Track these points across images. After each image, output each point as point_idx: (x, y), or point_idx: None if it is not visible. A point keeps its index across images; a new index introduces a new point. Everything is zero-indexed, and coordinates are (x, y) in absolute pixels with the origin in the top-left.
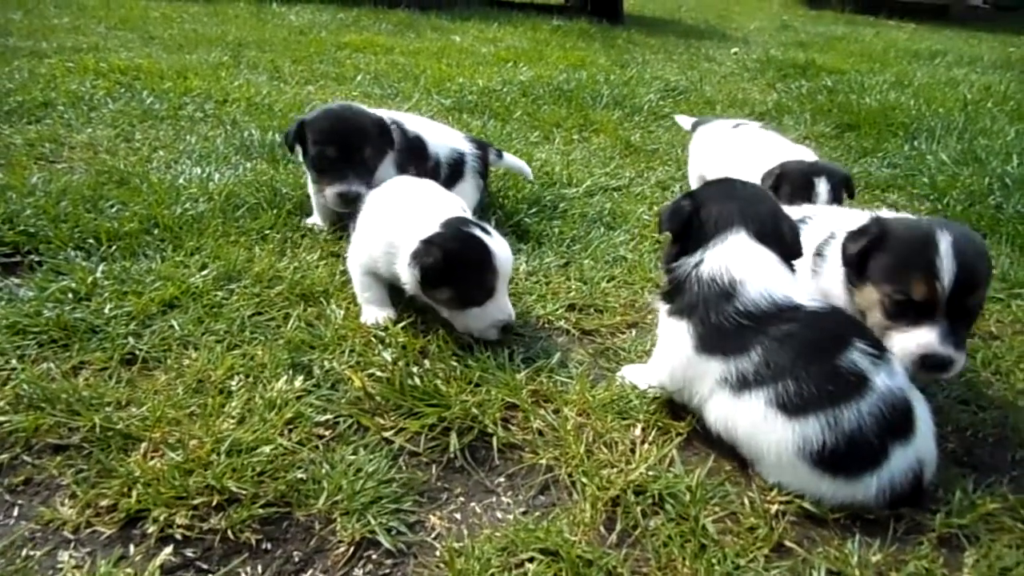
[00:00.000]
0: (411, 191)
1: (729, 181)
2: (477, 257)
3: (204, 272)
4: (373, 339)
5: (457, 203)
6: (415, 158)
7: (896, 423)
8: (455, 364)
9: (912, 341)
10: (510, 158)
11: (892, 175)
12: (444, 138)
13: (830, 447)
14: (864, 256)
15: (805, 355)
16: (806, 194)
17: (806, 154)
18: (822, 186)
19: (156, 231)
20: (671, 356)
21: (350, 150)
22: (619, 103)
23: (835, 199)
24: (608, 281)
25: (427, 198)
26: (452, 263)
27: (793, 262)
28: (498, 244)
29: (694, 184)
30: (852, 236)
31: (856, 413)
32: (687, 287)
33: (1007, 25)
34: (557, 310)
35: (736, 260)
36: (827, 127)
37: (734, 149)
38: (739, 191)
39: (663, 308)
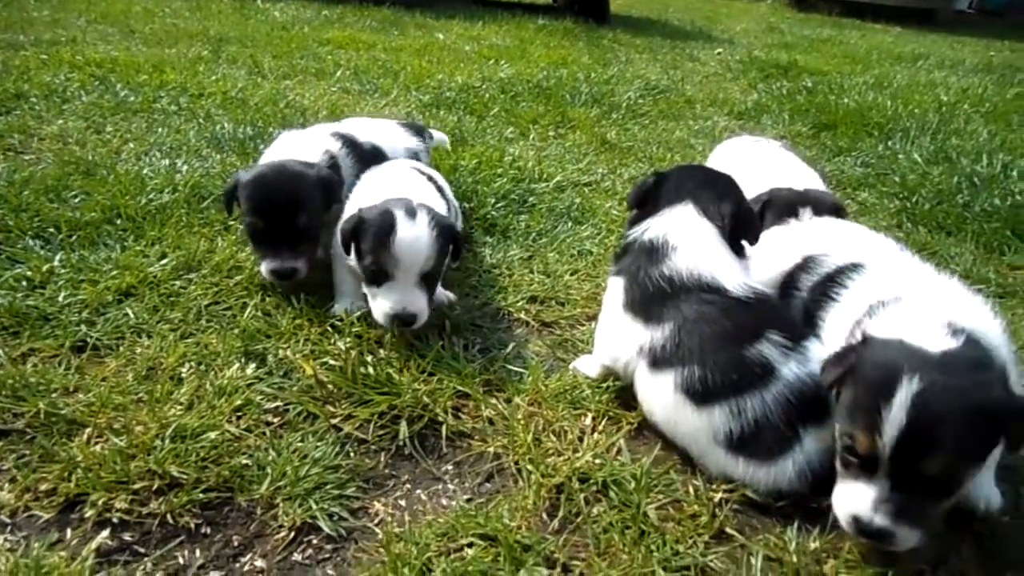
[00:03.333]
0: (390, 175)
1: (696, 166)
2: (380, 233)
3: (163, 261)
4: (329, 328)
5: (426, 188)
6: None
7: (807, 409)
8: (409, 354)
9: (845, 498)
10: (436, 134)
11: (864, 174)
12: (397, 140)
13: (738, 434)
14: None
15: (714, 342)
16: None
17: (812, 179)
18: (804, 216)
19: (119, 221)
20: (606, 316)
21: (283, 222)
22: (598, 101)
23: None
24: (572, 274)
25: (400, 181)
26: (358, 232)
27: (745, 246)
28: (411, 231)
29: None
30: (831, 361)
31: (760, 401)
32: (631, 250)
33: (992, 30)
34: (518, 302)
35: (675, 228)
36: (804, 126)
37: (744, 166)
38: (700, 173)
39: (611, 272)
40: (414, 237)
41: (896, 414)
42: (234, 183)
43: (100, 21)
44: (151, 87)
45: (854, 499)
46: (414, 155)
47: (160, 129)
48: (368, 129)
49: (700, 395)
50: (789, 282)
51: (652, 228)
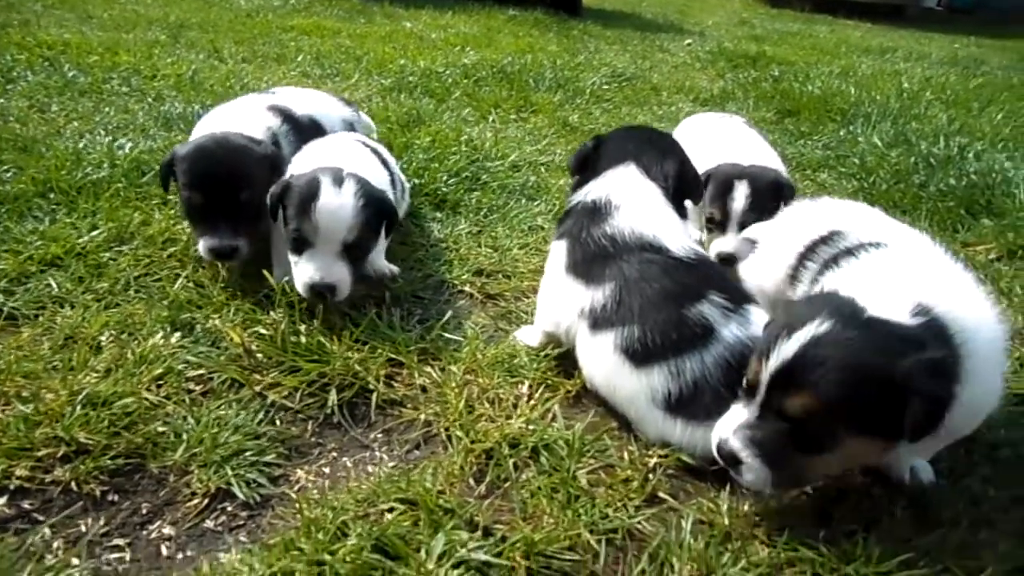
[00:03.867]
0: (332, 145)
1: (638, 127)
2: (303, 200)
3: (94, 233)
4: (264, 299)
5: (367, 160)
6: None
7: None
8: (343, 323)
9: (721, 420)
10: (364, 117)
11: (824, 156)
12: (333, 111)
13: (676, 395)
14: None
15: (654, 302)
16: (726, 195)
17: (768, 155)
18: (740, 190)
19: (52, 195)
20: (548, 281)
21: (223, 197)
22: (562, 86)
23: (757, 206)
24: (520, 248)
25: (341, 152)
26: (284, 198)
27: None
28: (335, 199)
29: None
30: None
31: (699, 362)
32: (574, 213)
33: (960, 27)
34: (463, 275)
35: (618, 188)
36: (769, 112)
37: (702, 142)
38: (642, 134)
39: (556, 230)
40: (337, 205)
41: (783, 349)
42: (171, 157)
43: (58, 7)
44: (102, 68)
45: (725, 420)
46: (349, 126)
47: (107, 109)
48: (303, 101)
49: (639, 356)
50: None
51: (595, 190)
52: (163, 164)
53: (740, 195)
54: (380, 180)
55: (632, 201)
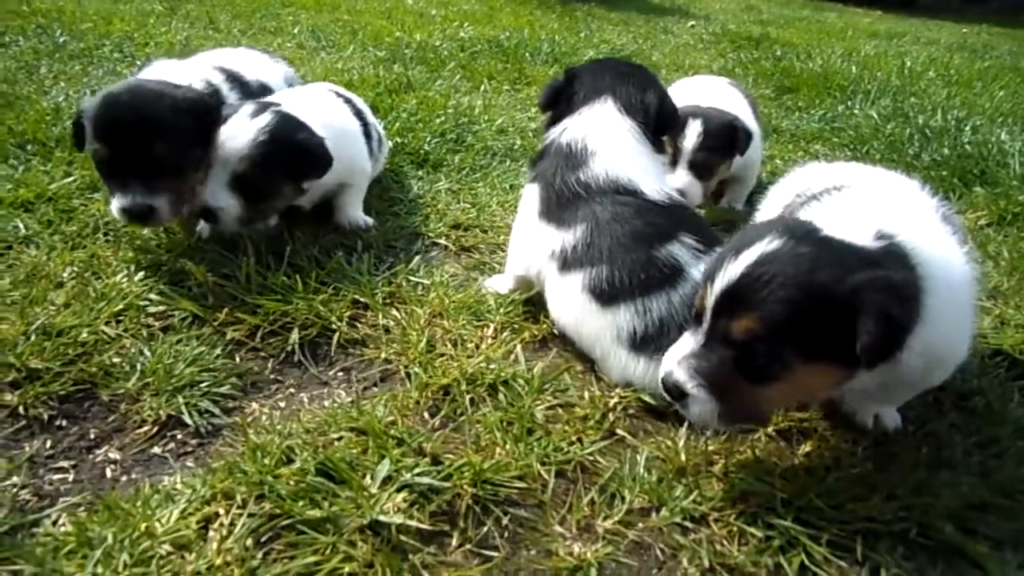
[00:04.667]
0: (306, 93)
1: (610, 60)
2: (218, 125)
3: (67, 180)
4: (234, 244)
5: (336, 107)
6: None
7: None
8: (310, 267)
9: (667, 352)
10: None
11: (820, 128)
12: (274, 68)
13: (641, 334)
14: None
15: (623, 243)
16: (679, 134)
17: (743, 112)
18: (692, 128)
19: (29, 147)
20: (520, 225)
21: (133, 149)
22: (558, 60)
23: (707, 145)
24: (500, 205)
25: (312, 97)
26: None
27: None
28: (236, 128)
29: None
30: None
31: (666, 302)
32: (548, 153)
33: (972, 16)
34: (439, 228)
35: (595, 130)
36: (767, 89)
37: (685, 100)
38: (617, 66)
39: (528, 174)
40: (234, 134)
41: (729, 270)
42: (80, 112)
43: None
44: (95, 35)
45: (672, 351)
46: (290, 85)
47: (96, 72)
48: (248, 62)
49: (606, 295)
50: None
51: (570, 130)
52: (74, 121)
53: (692, 133)
54: (345, 128)
55: (609, 146)
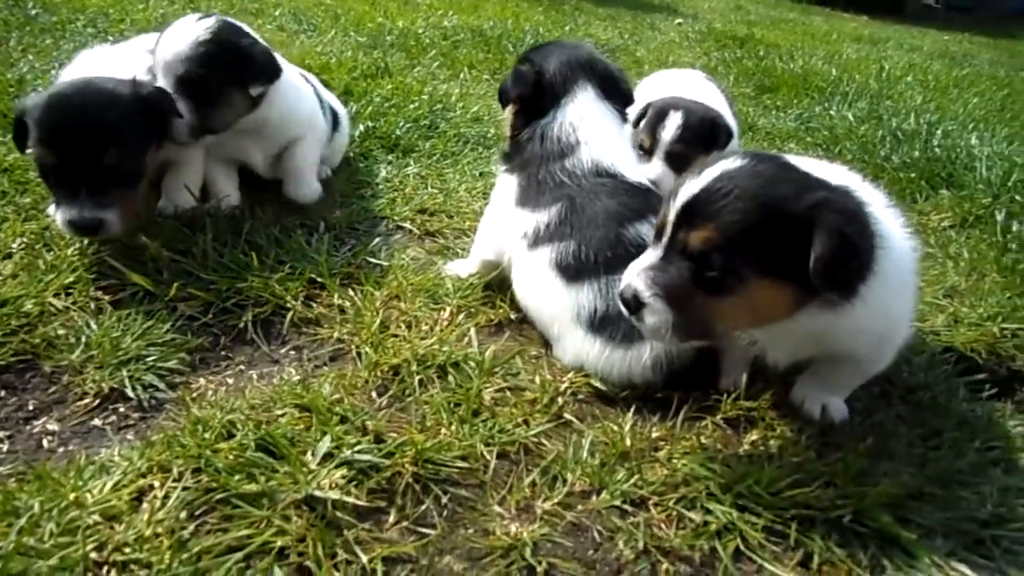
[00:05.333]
0: None
1: (560, 43)
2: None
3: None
4: (197, 223)
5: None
6: None
7: None
8: (269, 245)
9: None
10: None
11: (795, 128)
12: None
13: (600, 314)
14: None
15: (594, 221)
16: (657, 124)
17: (720, 105)
18: (672, 119)
19: None
20: (494, 211)
21: (83, 157)
22: None
23: (686, 137)
24: (468, 191)
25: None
26: None
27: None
28: (182, 32)
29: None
30: None
31: None
32: (531, 145)
33: (957, 25)
34: (405, 212)
35: (583, 121)
36: (748, 88)
37: (661, 93)
38: (573, 50)
39: (501, 169)
40: (175, 37)
41: (691, 185)
42: (22, 108)
43: None
44: (68, 9)
45: (632, 266)
46: None
47: (67, 46)
48: None
49: (572, 270)
50: None
51: (558, 120)
52: (14, 122)
53: (671, 124)
54: (299, 85)
55: (598, 135)
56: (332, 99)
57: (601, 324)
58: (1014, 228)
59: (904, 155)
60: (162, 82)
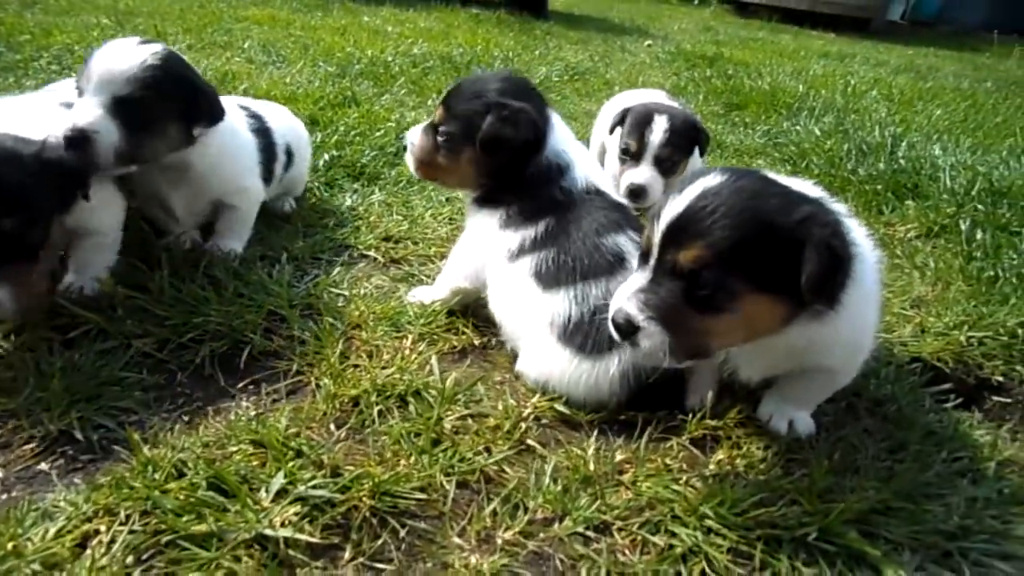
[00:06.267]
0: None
1: (490, 75)
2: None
3: None
4: (152, 258)
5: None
6: None
7: None
8: (228, 279)
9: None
10: None
11: (763, 144)
12: None
13: (574, 322)
14: None
15: (575, 232)
16: (644, 127)
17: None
18: (658, 123)
19: None
20: (470, 244)
21: None
22: None
23: (673, 141)
24: (433, 217)
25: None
26: None
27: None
28: (128, 51)
29: (594, 151)
30: None
31: (604, 289)
32: (524, 176)
33: (923, 39)
34: (369, 240)
35: (567, 144)
36: (717, 106)
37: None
38: (517, 79)
39: (475, 211)
40: (119, 55)
41: (674, 204)
42: None
43: None
44: (32, 47)
45: (620, 290)
46: None
47: (29, 83)
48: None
49: (549, 277)
50: None
51: (548, 147)
52: None
53: (658, 128)
54: (233, 140)
55: (581, 156)
56: (289, 127)
57: (572, 334)
58: (978, 236)
59: (870, 167)
60: (90, 100)
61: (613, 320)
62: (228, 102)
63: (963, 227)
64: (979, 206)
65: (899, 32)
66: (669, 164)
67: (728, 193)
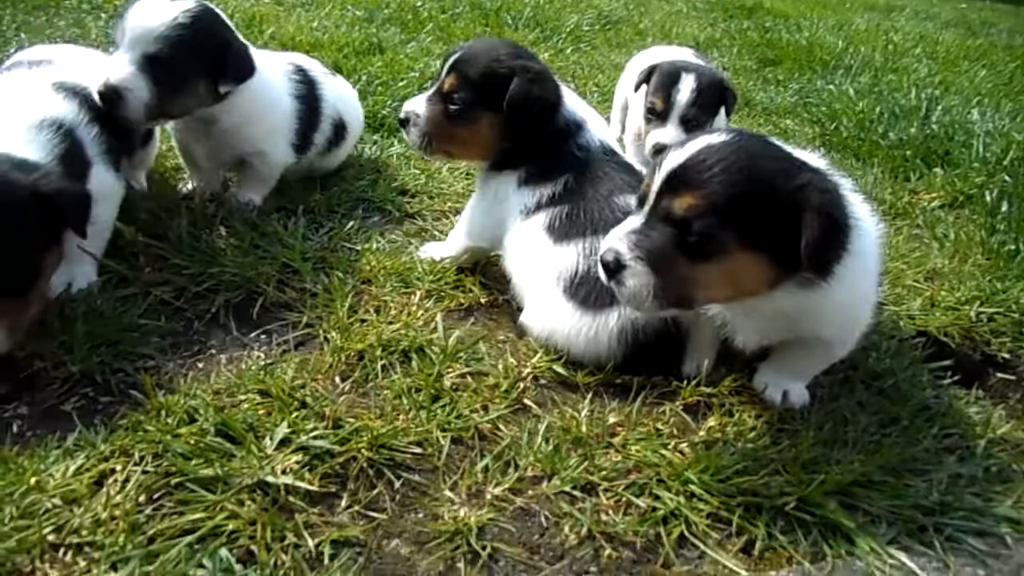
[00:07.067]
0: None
1: (488, 41)
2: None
3: None
4: (173, 208)
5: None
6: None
7: None
8: (246, 230)
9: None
10: None
11: (793, 103)
12: None
13: (582, 274)
14: None
15: (589, 190)
16: (671, 87)
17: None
18: (686, 83)
19: None
20: (486, 204)
21: None
22: (540, 24)
23: (700, 101)
24: (450, 171)
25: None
26: None
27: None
28: (159, 8)
29: (616, 113)
30: None
31: None
32: (546, 137)
33: None
34: (386, 194)
35: (576, 103)
36: (751, 61)
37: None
38: (514, 45)
39: (492, 175)
40: (150, 12)
41: (675, 155)
42: None
43: None
44: None
45: (614, 231)
46: None
47: (60, 23)
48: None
49: (561, 232)
50: None
51: (563, 111)
52: None
53: (686, 88)
54: (271, 98)
55: (591, 116)
56: (344, 103)
57: (577, 288)
58: (1003, 208)
59: (901, 132)
60: (124, 54)
61: (602, 257)
62: (280, 62)
63: (989, 198)
64: (1008, 177)
65: None
66: (695, 124)
67: (730, 151)
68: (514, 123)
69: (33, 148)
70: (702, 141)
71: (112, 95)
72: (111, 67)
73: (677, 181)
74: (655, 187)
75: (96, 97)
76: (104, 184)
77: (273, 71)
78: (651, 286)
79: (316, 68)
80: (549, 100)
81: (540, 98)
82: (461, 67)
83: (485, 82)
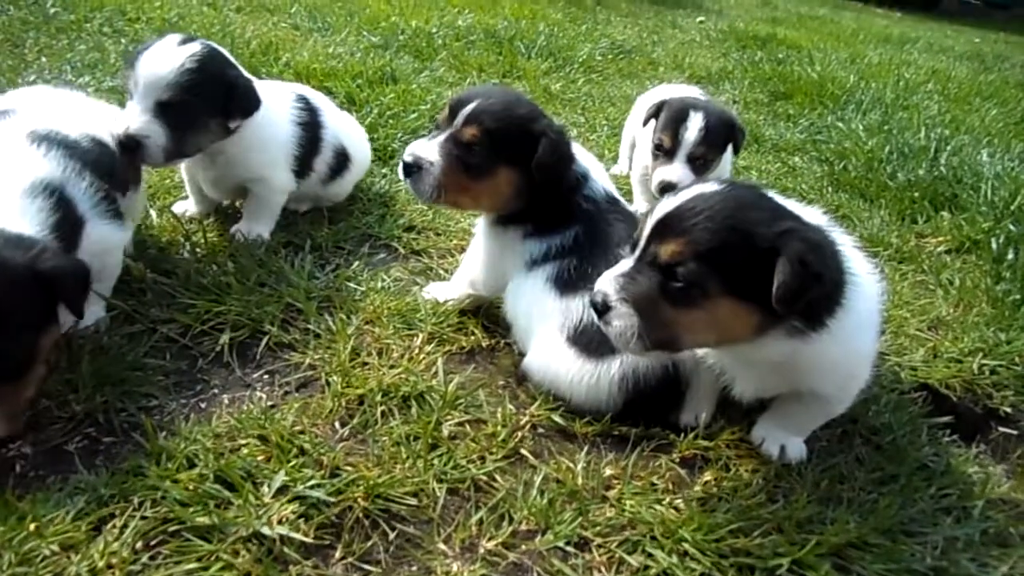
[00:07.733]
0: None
1: (495, 91)
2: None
3: None
4: (181, 238)
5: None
6: None
7: None
8: (251, 266)
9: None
10: None
11: (802, 140)
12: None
13: (585, 325)
14: None
15: (597, 241)
16: (679, 124)
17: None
18: (694, 120)
19: None
20: (491, 257)
21: None
22: (553, 54)
23: (708, 139)
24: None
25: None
26: None
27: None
28: (166, 55)
29: (624, 149)
30: None
31: None
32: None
33: (994, 22)
34: (392, 230)
35: (580, 153)
36: (762, 94)
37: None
38: (519, 95)
39: (497, 227)
40: (159, 60)
41: (666, 203)
42: None
43: None
44: (86, 7)
45: (605, 274)
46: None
47: (81, 46)
48: (76, 114)
49: (569, 284)
50: None
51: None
52: None
53: (694, 126)
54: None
55: (594, 165)
56: (347, 133)
57: (580, 335)
58: (1009, 256)
59: (909, 172)
60: (139, 104)
61: (592, 298)
62: (284, 91)
63: (995, 245)
64: (1012, 226)
65: (970, 14)
66: (702, 162)
67: (718, 200)
68: (539, 183)
69: (27, 220)
70: (695, 190)
71: (132, 143)
72: (128, 117)
73: (665, 228)
74: (646, 233)
75: (114, 145)
76: (103, 237)
77: (275, 101)
78: (635, 327)
79: (319, 97)
80: (571, 160)
81: (565, 159)
82: (483, 119)
83: (509, 138)
